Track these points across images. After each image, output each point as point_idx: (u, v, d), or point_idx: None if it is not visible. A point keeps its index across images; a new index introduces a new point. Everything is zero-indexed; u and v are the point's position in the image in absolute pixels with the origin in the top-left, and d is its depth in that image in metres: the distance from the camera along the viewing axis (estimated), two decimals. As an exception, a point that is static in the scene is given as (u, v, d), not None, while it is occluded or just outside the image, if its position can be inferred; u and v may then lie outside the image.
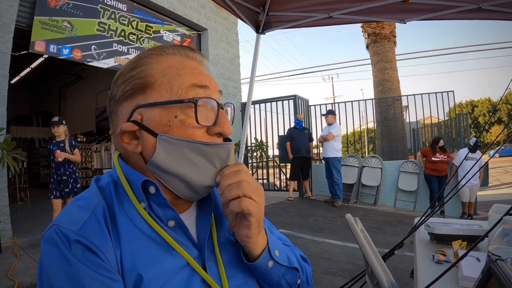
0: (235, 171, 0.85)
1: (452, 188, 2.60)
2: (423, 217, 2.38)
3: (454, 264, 1.33)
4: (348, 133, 11.89)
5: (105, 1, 6.98)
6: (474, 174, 3.67)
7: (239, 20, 10.72)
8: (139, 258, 0.79)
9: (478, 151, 8.37)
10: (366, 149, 14.90)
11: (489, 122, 42.08)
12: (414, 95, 10.71)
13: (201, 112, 0.85)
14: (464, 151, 8.41)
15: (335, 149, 9.06)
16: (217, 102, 0.88)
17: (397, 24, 13.07)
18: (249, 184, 0.84)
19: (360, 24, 13.72)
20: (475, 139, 8.34)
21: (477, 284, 0.94)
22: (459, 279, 1.41)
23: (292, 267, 0.99)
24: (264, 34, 4.10)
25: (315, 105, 11.55)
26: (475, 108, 49.35)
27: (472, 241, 1.84)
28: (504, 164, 22.59)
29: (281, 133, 10.93)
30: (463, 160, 6.42)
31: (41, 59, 11.60)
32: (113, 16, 7.12)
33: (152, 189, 0.84)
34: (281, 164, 11.46)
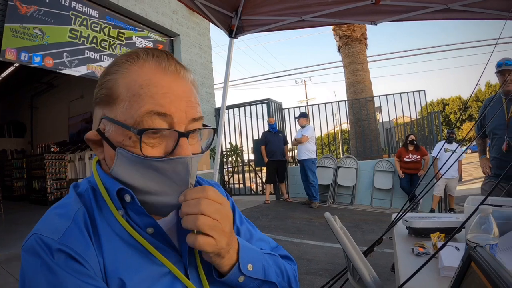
0: (197, 200, 0.80)
1: (429, 181, 2.65)
2: (401, 213, 2.42)
3: (433, 255, 1.37)
4: (322, 135, 11.98)
5: (77, 8, 6.87)
6: (451, 165, 3.77)
7: (211, 25, 10.72)
8: (121, 265, 0.79)
9: (454, 143, 8.56)
10: (341, 150, 15.04)
11: (460, 119, 43.07)
12: (386, 95, 10.89)
13: (153, 143, 0.81)
14: (441, 144, 8.55)
15: (309, 151, 9.12)
16: (178, 132, 0.81)
17: (368, 26, 13.30)
18: (206, 219, 0.79)
19: (331, 27, 13.87)
20: (449, 130, 8.57)
21: (458, 271, 0.97)
22: (440, 269, 1.45)
23: (268, 281, 0.98)
24: (237, 38, 4.13)
25: (288, 108, 11.61)
26: (446, 106, 50.59)
27: (449, 233, 1.88)
28: (476, 159, 23.29)
29: (256, 137, 10.95)
30: (440, 149, 6.55)
31: (12, 68, 11.32)
32: (84, 22, 7.02)
33: (127, 198, 0.82)
34: (256, 168, 11.47)
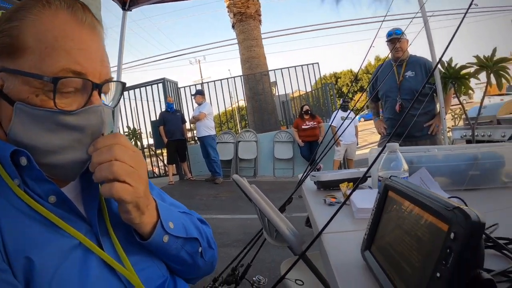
0: (109, 146, 0.72)
1: (327, 145, 2.73)
2: (307, 171, 2.47)
3: (348, 197, 1.38)
4: (220, 113, 11.99)
5: None
6: (346, 128, 4.02)
7: (102, 6, 10.14)
8: (25, 242, 0.67)
9: (348, 111, 9.04)
10: (239, 127, 15.22)
11: (352, 90, 45.67)
12: (281, 69, 11.14)
13: (66, 95, 0.71)
14: (335, 112, 8.96)
15: (208, 128, 9.10)
16: (92, 83, 0.73)
17: (262, 3, 13.47)
18: (122, 165, 0.72)
19: (226, 5, 13.83)
20: (344, 98, 9.05)
21: (377, 203, 0.98)
22: (354, 213, 1.47)
23: (191, 238, 0.92)
24: (131, 11, 3.95)
25: (184, 87, 11.46)
26: (339, 79, 53.36)
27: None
28: (369, 127, 25.27)
29: (154, 119, 10.65)
30: (334, 117, 6.86)
31: None
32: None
33: (23, 161, 0.70)
34: (157, 151, 11.22)
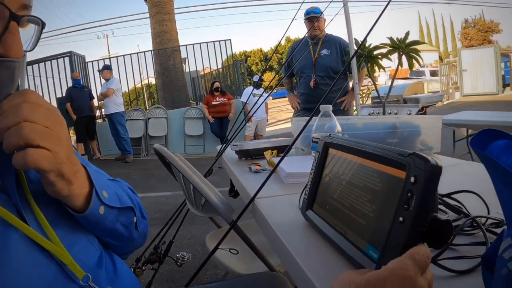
0: (15, 106, 0.58)
1: (240, 123, 2.73)
2: (225, 145, 2.44)
3: (279, 163, 1.34)
4: (129, 90, 11.61)
5: None
6: (259, 106, 4.11)
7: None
8: None
9: (261, 89, 9.18)
10: (147, 105, 14.90)
11: (261, 69, 46.74)
12: (193, 44, 11.00)
13: None
14: (249, 89, 9.08)
15: (116, 104, 8.79)
16: (10, 12, 0.58)
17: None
18: (33, 126, 0.57)
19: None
20: (258, 76, 9.14)
21: (317, 161, 0.97)
22: (284, 178, 1.46)
23: (125, 207, 0.83)
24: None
25: (92, 61, 10.90)
26: (248, 58, 54.30)
27: (281, 151, 1.96)
28: (278, 105, 25.96)
29: (60, 96, 10.04)
30: (249, 95, 6.90)
31: None
32: None
33: None
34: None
